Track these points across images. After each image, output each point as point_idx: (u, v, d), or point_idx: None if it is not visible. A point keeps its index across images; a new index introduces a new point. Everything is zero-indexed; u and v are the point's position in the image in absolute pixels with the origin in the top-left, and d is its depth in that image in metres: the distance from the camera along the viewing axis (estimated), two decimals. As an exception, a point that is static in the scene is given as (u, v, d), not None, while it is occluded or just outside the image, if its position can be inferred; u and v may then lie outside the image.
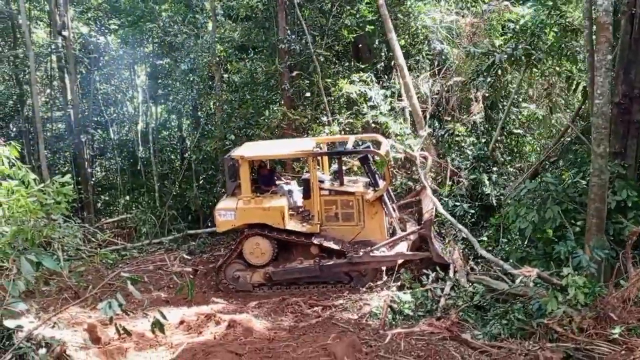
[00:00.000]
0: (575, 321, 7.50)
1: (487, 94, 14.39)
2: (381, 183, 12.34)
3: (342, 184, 12.48)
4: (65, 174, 8.11)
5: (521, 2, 14.19)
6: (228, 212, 12.15)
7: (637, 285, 7.74)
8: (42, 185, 7.47)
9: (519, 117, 15.68)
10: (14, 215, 7.25)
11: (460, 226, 11.70)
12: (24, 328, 6.60)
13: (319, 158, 13.40)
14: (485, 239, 12.15)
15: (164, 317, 6.49)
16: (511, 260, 10.32)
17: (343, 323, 9.64)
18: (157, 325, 6.32)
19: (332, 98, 16.05)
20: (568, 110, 12.92)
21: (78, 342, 8.68)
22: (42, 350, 6.39)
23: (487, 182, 12.94)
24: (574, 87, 12.37)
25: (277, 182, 13.41)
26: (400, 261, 11.82)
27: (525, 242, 10.53)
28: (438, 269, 11.28)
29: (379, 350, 8.04)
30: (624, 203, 9.28)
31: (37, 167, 19.17)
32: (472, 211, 13.19)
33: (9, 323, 6.60)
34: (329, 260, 12.01)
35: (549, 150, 12.89)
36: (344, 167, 13.28)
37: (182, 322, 10.24)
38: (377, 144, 13.21)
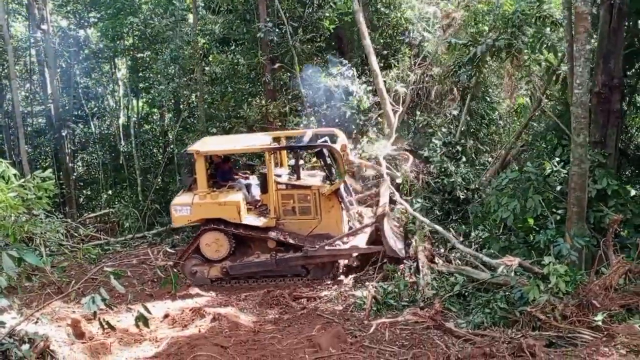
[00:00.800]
0: (557, 309, 7.60)
1: (468, 85, 14.43)
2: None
3: (298, 178, 12.51)
4: (46, 168, 8.05)
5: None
6: (184, 207, 12.16)
7: (618, 272, 7.86)
8: (23, 180, 7.39)
9: (496, 106, 15.80)
10: (-6, 210, 7.18)
11: (427, 221, 11.73)
12: (6, 324, 6.54)
13: (277, 153, 13.43)
14: (453, 229, 12.14)
15: (148, 311, 6.46)
16: (492, 250, 10.40)
17: (328, 314, 9.67)
18: (141, 320, 6.29)
19: (312, 90, 16.05)
20: (547, 100, 12.99)
21: (62, 338, 8.64)
22: (25, 346, 6.35)
23: (453, 171, 12.92)
24: (553, 77, 12.46)
25: (236, 177, 13.44)
26: (355, 254, 11.97)
27: (505, 232, 10.63)
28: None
29: (363, 340, 8.09)
30: (605, 191, 9.42)
31: (17, 162, 18.99)
32: (441, 203, 13.19)
33: (-8, 319, 6.56)
34: (285, 254, 12.05)
35: (516, 136, 12.99)
36: (303, 162, 13.43)
37: (166, 316, 10.22)
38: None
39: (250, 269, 12.13)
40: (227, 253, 12.18)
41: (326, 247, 11.67)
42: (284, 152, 13.74)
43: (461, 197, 12.86)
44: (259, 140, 12.80)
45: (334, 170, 12.20)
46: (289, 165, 13.44)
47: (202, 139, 13.82)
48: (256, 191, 13.12)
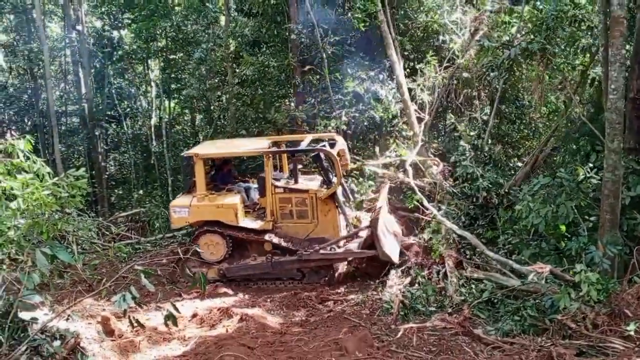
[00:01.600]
0: (588, 317, 7.48)
1: (497, 88, 14.27)
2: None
3: (296, 182, 12.60)
4: (79, 167, 8.16)
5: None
6: (182, 209, 12.32)
7: (651, 281, 7.71)
8: (57, 178, 7.52)
9: (527, 110, 15.62)
10: (28, 208, 7.30)
11: (454, 227, 11.71)
12: (39, 320, 6.66)
13: (276, 157, 13.75)
14: (480, 235, 12.02)
15: (177, 310, 6.53)
16: (521, 256, 10.27)
17: (355, 318, 9.63)
18: (170, 318, 6.35)
19: (342, 94, 16.06)
20: (580, 105, 12.80)
21: (92, 335, 8.78)
22: (57, 342, 6.46)
23: (479, 176, 12.76)
24: (587, 81, 12.28)
25: (236, 181, 13.63)
26: (349, 258, 12.07)
27: (535, 238, 10.49)
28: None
29: (390, 345, 8.05)
30: (639, 199, 9.22)
31: (51, 161, 19.36)
32: (467, 208, 13.06)
33: (24, 315, 6.68)
34: (280, 257, 12.09)
35: (547, 140, 12.80)
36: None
37: (194, 316, 10.30)
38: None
39: (247, 272, 12.22)
40: (224, 255, 12.31)
41: (320, 251, 11.72)
42: (285, 157, 13.91)
43: (489, 201, 12.71)
44: (258, 145, 12.99)
45: (331, 175, 12.35)
46: (289, 170, 13.53)
47: (203, 142, 14.05)
48: (255, 195, 13.25)
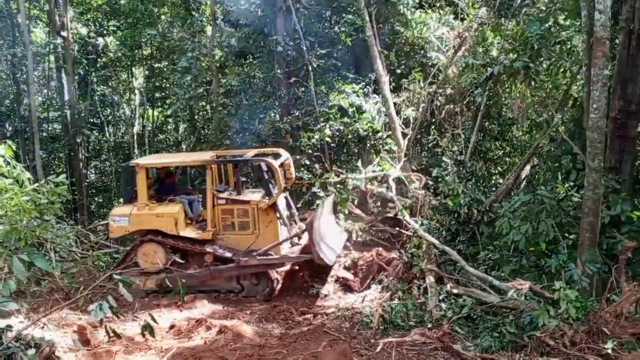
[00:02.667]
0: (567, 335, 7.50)
1: (480, 105, 14.38)
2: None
3: (239, 193, 12.74)
4: (60, 174, 8.09)
5: (510, 15, 14.17)
6: (122, 218, 12.31)
7: (629, 300, 7.77)
8: (37, 184, 7.44)
9: (509, 127, 15.77)
10: (7, 214, 7.22)
11: (435, 242, 11.72)
12: (13, 328, 6.55)
13: (223, 170, 13.91)
14: (461, 251, 12.03)
15: (155, 321, 6.45)
16: (501, 272, 10.30)
17: (334, 331, 9.60)
18: (147, 329, 6.27)
19: (326, 107, 16.11)
20: (561, 124, 12.94)
21: (67, 344, 8.64)
22: (31, 351, 6.33)
23: (460, 192, 12.80)
24: (570, 101, 12.42)
25: (180, 193, 13.64)
26: (288, 264, 12.27)
27: (515, 254, 10.53)
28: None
29: (370, 359, 8.02)
30: (618, 218, 9.31)
31: (31, 167, 19.16)
32: (449, 223, 13.07)
33: (-1, 322, 6.57)
34: (218, 265, 12.14)
35: (528, 157, 12.91)
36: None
37: (172, 327, 10.18)
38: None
39: (185, 282, 12.19)
40: (164, 265, 12.22)
41: (257, 257, 11.79)
42: (230, 170, 13.99)
43: (470, 217, 12.74)
44: (201, 157, 13.22)
45: (272, 187, 12.45)
46: (234, 183, 13.70)
47: (149, 155, 14.28)
48: (199, 207, 13.32)
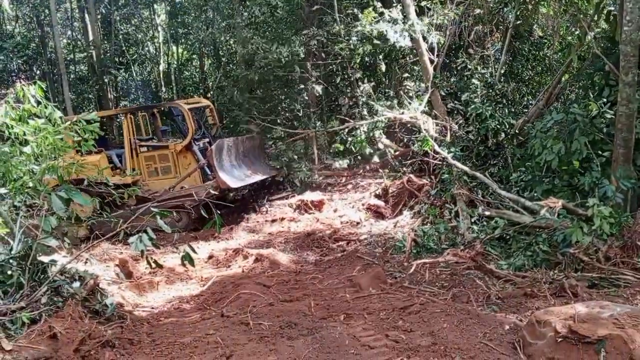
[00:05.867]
0: (601, 251, 7.51)
1: (513, 24, 13.91)
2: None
3: (159, 140, 13.50)
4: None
5: None
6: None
7: (664, 214, 7.71)
8: (69, 122, 7.54)
9: (545, 47, 15.30)
10: (42, 153, 7.36)
11: (465, 168, 11.59)
12: (57, 262, 6.79)
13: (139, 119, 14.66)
14: (491, 174, 11.94)
15: (194, 251, 6.63)
16: (534, 193, 10.24)
17: (368, 256, 9.74)
18: (187, 258, 6.46)
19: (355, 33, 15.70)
20: (594, 39, 12.49)
21: (110, 277, 8.97)
22: (76, 284, 6.58)
23: (489, 115, 12.53)
24: (602, 14, 11.96)
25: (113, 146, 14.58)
26: (202, 194, 12.51)
27: (548, 175, 10.43)
28: None
29: (403, 280, 8.16)
30: (653, 133, 9.11)
31: (62, 109, 19.29)
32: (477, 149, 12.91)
33: (43, 258, 6.81)
34: (138, 205, 12.31)
35: (560, 76, 12.56)
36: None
37: (210, 257, 10.49)
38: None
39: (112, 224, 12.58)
40: (93, 212, 12.53)
41: (170, 191, 12.52)
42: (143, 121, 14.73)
43: (499, 141, 12.57)
44: (120, 110, 14.37)
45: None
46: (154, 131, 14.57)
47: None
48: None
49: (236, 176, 12.75)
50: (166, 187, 12.94)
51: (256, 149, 14.94)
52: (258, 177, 13.65)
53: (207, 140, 14.17)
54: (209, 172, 13.11)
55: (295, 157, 15.17)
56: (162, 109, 15.68)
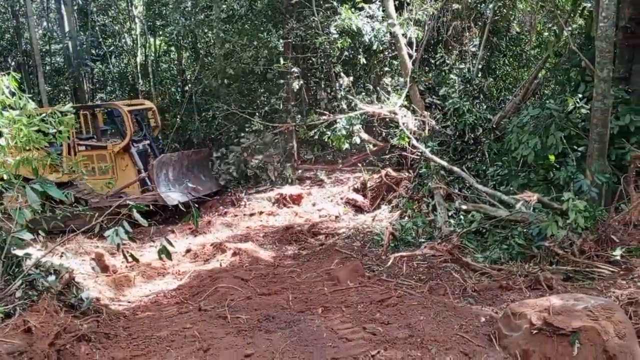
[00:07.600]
0: (576, 244, 7.60)
1: (490, 19, 14.00)
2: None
3: (99, 140, 13.48)
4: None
5: None
6: None
7: (638, 208, 7.83)
8: (44, 114, 7.44)
9: (522, 43, 15.45)
10: (17, 145, 7.25)
11: (443, 162, 11.65)
12: (32, 256, 6.71)
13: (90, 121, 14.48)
14: (468, 168, 12.00)
15: (171, 244, 6.58)
16: (510, 188, 10.35)
17: (346, 250, 9.76)
18: (164, 252, 6.41)
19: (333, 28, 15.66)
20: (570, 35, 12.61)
21: (86, 271, 8.89)
22: (51, 277, 6.50)
23: (466, 110, 12.60)
24: (579, 10, 12.10)
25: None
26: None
27: (524, 169, 10.55)
28: None
29: (381, 274, 8.20)
30: (627, 128, 9.25)
31: (37, 101, 19.06)
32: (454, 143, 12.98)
33: (18, 251, 6.72)
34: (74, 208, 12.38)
35: (537, 71, 12.70)
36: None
37: (188, 251, 10.45)
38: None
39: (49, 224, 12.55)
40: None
41: (108, 199, 12.34)
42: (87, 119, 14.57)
43: (477, 136, 12.65)
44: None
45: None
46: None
47: None
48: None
49: (178, 191, 12.77)
50: (103, 195, 12.77)
51: (202, 162, 15.04)
52: (201, 193, 13.66)
53: (147, 142, 14.26)
54: (149, 183, 13.12)
55: (273, 150, 15.20)
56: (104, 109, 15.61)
